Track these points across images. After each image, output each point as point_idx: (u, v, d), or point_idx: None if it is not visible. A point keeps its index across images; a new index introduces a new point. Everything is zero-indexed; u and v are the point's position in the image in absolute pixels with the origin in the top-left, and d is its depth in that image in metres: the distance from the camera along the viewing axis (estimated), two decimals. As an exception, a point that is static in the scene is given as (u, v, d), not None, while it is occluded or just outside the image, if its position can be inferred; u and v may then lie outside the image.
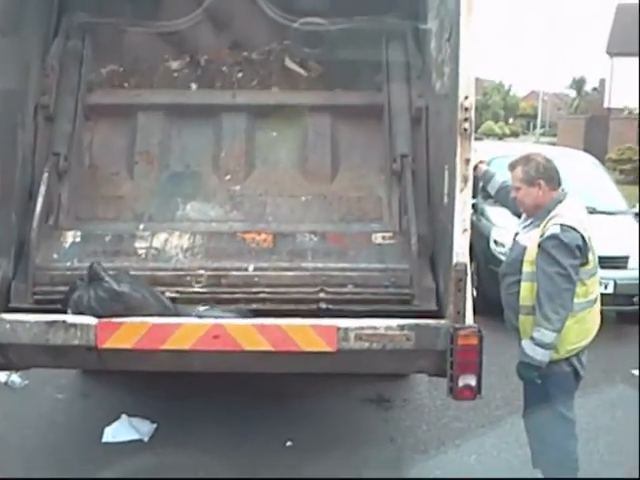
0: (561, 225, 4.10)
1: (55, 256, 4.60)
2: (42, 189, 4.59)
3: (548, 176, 4.35)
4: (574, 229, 4.11)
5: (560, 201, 4.31)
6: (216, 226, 4.82)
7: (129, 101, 5.23)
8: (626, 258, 8.35)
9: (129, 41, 5.44)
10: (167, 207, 4.93)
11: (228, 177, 5.07)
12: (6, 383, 6.10)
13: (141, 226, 4.80)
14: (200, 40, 5.55)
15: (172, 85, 5.42)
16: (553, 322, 4.06)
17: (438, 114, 4.66)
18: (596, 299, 4.38)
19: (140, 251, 4.63)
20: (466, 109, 4.03)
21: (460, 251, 4.08)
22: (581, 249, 4.12)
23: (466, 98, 4.03)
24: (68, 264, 4.54)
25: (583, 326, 4.34)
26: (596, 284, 4.36)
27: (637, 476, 4.85)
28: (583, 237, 4.13)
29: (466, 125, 4.04)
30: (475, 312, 4.19)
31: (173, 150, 5.16)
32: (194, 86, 5.43)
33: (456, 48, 4.08)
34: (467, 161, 4.07)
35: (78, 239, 4.69)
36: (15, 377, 6.12)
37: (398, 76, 5.17)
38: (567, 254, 4.02)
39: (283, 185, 5.05)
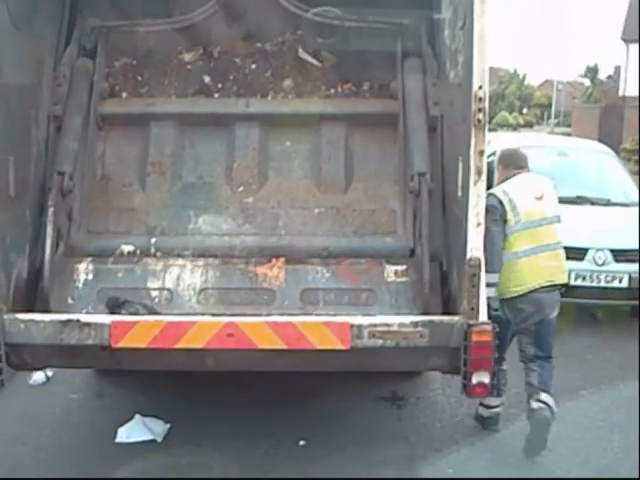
0: (488, 193, 4.72)
1: (70, 301, 4.59)
2: (50, 215, 4.50)
3: (504, 162, 5.49)
4: (493, 195, 5.02)
5: (507, 178, 5.29)
6: (228, 240, 4.77)
7: (142, 110, 5.19)
8: (629, 252, 8.24)
9: (142, 36, 5.41)
10: (179, 220, 4.90)
11: (241, 189, 5.03)
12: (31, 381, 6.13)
13: (153, 240, 4.75)
14: (213, 32, 5.52)
15: (185, 77, 5.39)
16: (487, 265, 4.26)
17: (452, 104, 4.61)
18: (525, 252, 5.10)
19: (153, 293, 4.58)
20: (480, 99, 3.98)
21: (474, 246, 4.03)
22: (497, 210, 4.97)
23: (480, 88, 3.97)
24: (84, 312, 4.49)
25: (510, 274, 5.03)
26: (521, 240, 5.09)
27: (637, 476, 4.80)
28: (501, 201, 5.03)
29: (480, 116, 3.99)
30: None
31: (186, 161, 5.12)
32: (207, 78, 5.40)
33: (470, 37, 4.03)
34: (481, 153, 4.01)
35: (91, 276, 4.65)
36: (38, 375, 6.12)
37: (414, 84, 5.09)
38: (488, 214, 4.29)
39: (296, 196, 5.01)
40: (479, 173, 4.00)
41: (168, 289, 4.59)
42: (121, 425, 5.30)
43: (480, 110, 3.98)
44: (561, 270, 5.32)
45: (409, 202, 4.76)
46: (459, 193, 4.23)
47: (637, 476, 4.79)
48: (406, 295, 4.57)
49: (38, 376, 6.14)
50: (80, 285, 4.61)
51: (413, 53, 5.23)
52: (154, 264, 4.69)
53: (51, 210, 4.50)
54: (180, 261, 4.69)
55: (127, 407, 5.61)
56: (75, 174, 4.76)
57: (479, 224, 4.02)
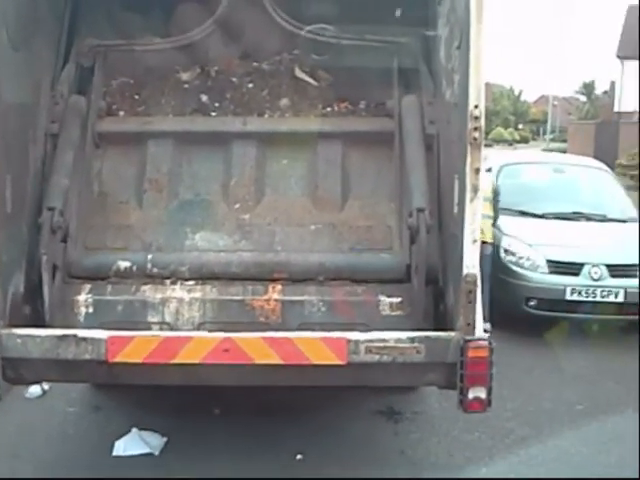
0: None
1: None
2: (43, 254, 4.45)
3: None
4: None
5: None
6: (225, 256, 4.77)
7: (139, 129, 5.20)
8: (636, 266, 8.28)
9: (140, 55, 5.44)
10: (176, 237, 4.90)
11: (237, 205, 5.03)
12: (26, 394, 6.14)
13: (149, 256, 4.74)
14: (210, 51, 5.54)
15: (183, 96, 5.42)
16: None
17: (448, 122, 4.64)
18: None
19: (154, 327, 4.56)
20: (476, 118, 4.01)
21: (470, 262, 4.06)
22: None
23: (476, 107, 4.00)
24: None
25: None
26: None
27: (637, 476, 4.82)
28: None
29: (476, 134, 4.02)
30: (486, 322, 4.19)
31: (183, 178, 5.13)
32: (204, 97, 5.43)
33: (466, 57, 4.06)
34: (477, 170, 4.03)
35: (91, 309, 4.63)
36: (34, 389, 6.14)
37: (410, 103, 5.11)
38: None
39: (292, 214, 5.01)
40: (475, 190, 4.03)
41: (168, 323, 4.59)
42: (118, 438, 5.31)
43: (476, 129, 4.01)
44: None
45: (405, 219, 4.76)
46: (455, 210, 4.26)
47: (637, 476, 4.81)
48: (400, 328, 4.47)
49: (34, 389, 6.15)
50: (82, 319, 4.59)
51: (409, 72, 5.27)
52: (152, 294, 4.66)
53: (43, 252, 4.45)
54: (178, 292, 4.66)
55: (124, 420, 5.62)
56: (70, 192, 4.76)
57: (475, 241, 4.05)
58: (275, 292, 4.66)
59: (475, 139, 4.02)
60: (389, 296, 4.63)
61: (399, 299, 4.62)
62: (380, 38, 5.25)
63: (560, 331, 8.07)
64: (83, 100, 5.10)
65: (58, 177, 4.72)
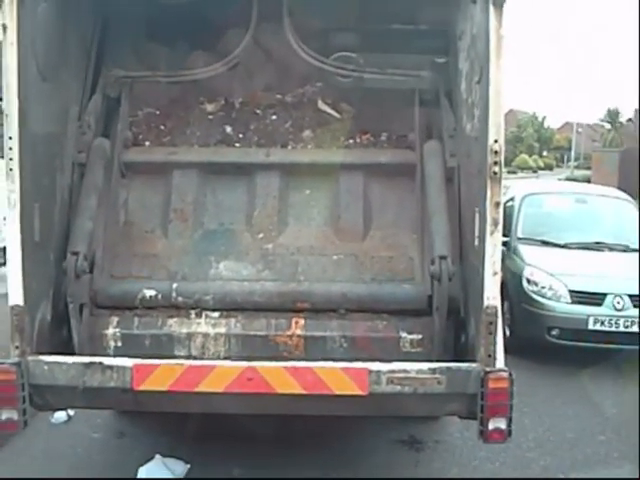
0: None
1: None
2: (70, 301, 4.54)
3: None
4: None
5: None
6: (248, 286, 4.82)
7: (164, 159, 5.30)
8: None
9: (165, 87, 5.56)
10: (200, 266, 4.96)
11: (261, 235, 5.10)
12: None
13: (174, 285, 4.80)
14: (234, 83, 5.65)
15: (207, 127, 5.52)
16: None
17: (468, 156, 4.71)
18: None
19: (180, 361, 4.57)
20: (495, 152, 4.08)
21: (491, 294, 4.11)
22: None
23: (495, 142, 4.08)
24: None
25: None
26: None
27: (637, 476, 4.80)
28: None
29: (496, 169, 4.09)
30: (508, 352, 4.21)
31: (207, 208, 5.21)
32: (229, 129, 5.53)
33: (486, 92, 4.13)
34: (497, 204, 4.11)
35: (120, 343, 4.71)
36: (59, 414, 6.23)
37: (430, 136, 5.22)
38: None
39: (315, 244, 5.06)
40: (495, 224, 4.09)
41: (194, 357, 4.65)
42: (141, 465, 5.37)
43: (496, 163, 4.09)
44: None
45: (427, 250, 4.82)
46: (476, 242, 4.32)
47: (637, 476, 4.80)
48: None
49: (60, 415, 6.24)
50: (112, 353, 4.65)
51: (430, 104, 5.34)
52: (178, 328, 4.73)
53: (70, 297, 4.54)
54: (203, 327, 4.73)
55: (148, 447, 5.68)
56: (97, 223, 4.84)
57: (495, 273, 4.10)
58: (298, 328, 4.72)
59: (495, 173, 4.09)
60: (410, 333, 4.68)
61: (420, 336, 4.66)
62: (402, 71, 5.34)
63: (583, 361, 8.04)
64: (107, 142, 5.18)
65: (82, 220, 4.78)
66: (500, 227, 4.13)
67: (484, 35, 4.18)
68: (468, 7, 4.60)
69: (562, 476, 5.59)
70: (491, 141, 4.08)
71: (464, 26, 4.80)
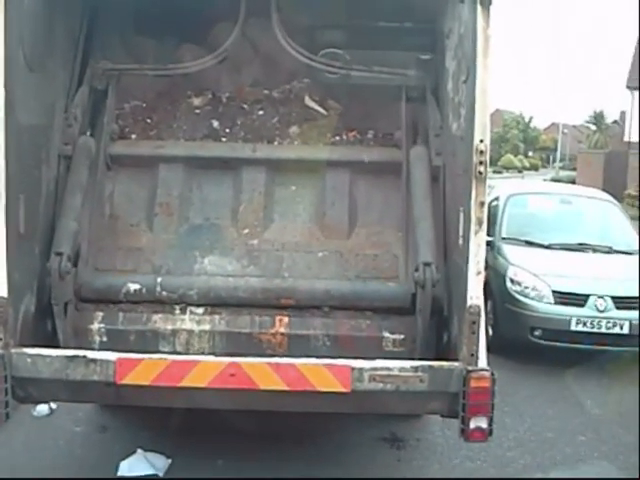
0: None
1: None
2: (54, 303, 4.55)
3: None
4: None
5: None
6: (233, 281, 4.83)
7: (151, 153, 5.28)
8: (630, 299, 8.39)
9: (152, 80, 5.55)
10: (185, 260, 4.96)
11: (246, 231, 5.10)
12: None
13: (159, 279, 4.80)
14: (222, 78, 5.65)
15: (194, 121, 5.50)
16: None
17: (454, 155, 4.72)
18: None
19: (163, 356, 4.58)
20: (481, 152, 4.10)
21: (474, 294, 4.13)
22: None
23: (481, 141, 4.09)
24: None
25: None
26: None
27: (637, 476, 4.84)
28: None
29: (481, 168, 4.10)
30: (490, 351, 4.24)
31: (193, 202, 5.21)
32: (215, 123, 5.52)
33: (472, 91, 4.15)
34: (482, 204, 4.13)
35: (105, 338, 4.73)
36: (42, 407, 6.20)
37: (417, 134, 5.24)
38: None
39: (300, 240, 5.07)
40: (480, 223, 4.11)
41: (179, 353, 4.66)
42: (123, 459, 5.37)
43: (481, 163, 4.10)
44: None
45: (412, 251, 4.84)
46: (460, 242, 4.34)
47: (637, 476, 4.83)
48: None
49: (42, 408, 6.21)
50: (97, 348, 4.65)
51: (417, 103, 5.35)
52: (163, 324, 4.75)
53: (54, 299, 4.55)
54: (187, 323, 4.75)
55: (129, 441, 5.67)
56: (82, 217, 4.83)
57: (479, 272, 4.12)
58: (282, 326, 4.73)
59: (480, 173, 4.11)
60: (393, 332, 4.71)
61: (402, 336, 4.69)
62: (389, 69, 5.34)
63: (565, 362, 8.10)
64: (92, 141, 5.16)
65: (67, 220, 4.76)
66: (484, 227, 4.15)
67: (471, 35, 4.20)
68: (456, 6, 4.61)
69: (541, 475, 5.63)
70: (477, 141, 4.10)
71: (452, 25, 4.81)
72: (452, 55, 4.86)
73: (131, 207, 5.18)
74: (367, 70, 5.35)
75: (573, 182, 32.07)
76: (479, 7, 4.11)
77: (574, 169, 46.78)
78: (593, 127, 67.39)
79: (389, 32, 5.46)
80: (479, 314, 4.12)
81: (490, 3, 4.11)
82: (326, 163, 5.25)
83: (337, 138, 5.48)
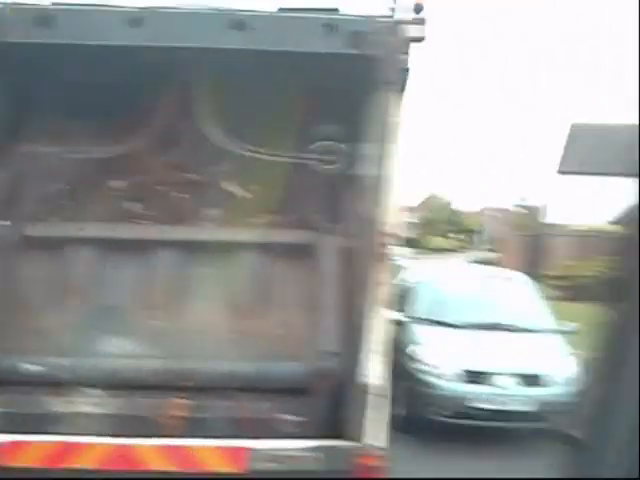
0: None
1: None
2: None
3: None
4: None
5: None
6: (136, 363, 4.82)
7: (64, 234, 5.29)
8: (544, 376, 8.69)
9: (73, 163, 5.56)
10: (90, 342, 4.92)
11: (155, 312, 5.11)
12: None
13: (62, 362, 4.77)
14: (141, 161, 5.67)
15: (110, 204, 5.53)
16: None
17: (361, 237, 4.84)
18: None
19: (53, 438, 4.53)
20: (384, 235, 4.22)
21: (373, 372, 4.20)
22: None
23: (384, 224, 4.22)
24: None
25: None
26: None
27: (637, 476, 4.85)
28: None
29: (383, 250, 4.22)
30: (398, 430, 4.28)
31: (103, 284, 5.21)
32: (131, 205, 5.56)
33: (378, 175, 4.29)
34: (383, 284, 4.25)
35: (1, 421, 4.57)
36: None
37: (334, 216, 5.32)
38: None
39: (209, 321, 5.06)
40: (380, 303, 4.24)
41: (75, 435, 4.55)
42: None
43: (385, 244, 4.23)
44: None
45: (320, 329, 4.87)
46: (362, 322, 4.42)
47: (637, 476, 4.84)
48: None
49: None
50: None
51: (334, 186, 5.43)
52: (62, 407, 4.66)
53: None
54: (85, 407, 4.67)
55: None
56: None
57: (379, 351, 4.22)
58: (178, 408, 4.67)
59: (382, 255, 4.22)
60: (292, 414, 4.67)
61: (302, 418, 4.66)
62: (305, 155, 5.45)
63: (469, 439, 8.17)
64: (8, 224, 5.16)
65: None
66: (386, 307, 4.27)
67: (381, 120, 4.35)
68: (372, 94, 4.74)
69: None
70: (381, 224, 4.22)
71: (365, 112, 4.96)
72: (364, 140, 5.02)
73: (41, 288, 5.15)
74: (285, 155, 5.46)
75: (496, 263, 32.73)
76: (390, 94, 4.28)
77: (498, 251, 47.76)
78: (518, 210, 69.31)
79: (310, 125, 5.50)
80: (378, 393, 4.18)
81: (403, 89, 4.28)
82: (238, 245, 5.30)
83: (253, 220, 5.54)
